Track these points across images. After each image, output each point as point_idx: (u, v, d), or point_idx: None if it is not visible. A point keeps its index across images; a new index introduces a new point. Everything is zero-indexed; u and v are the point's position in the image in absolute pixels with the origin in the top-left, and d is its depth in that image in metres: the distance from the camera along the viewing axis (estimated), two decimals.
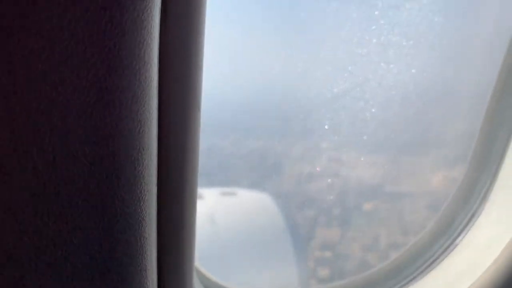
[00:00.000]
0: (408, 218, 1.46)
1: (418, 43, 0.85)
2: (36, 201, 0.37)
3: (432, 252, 1.10)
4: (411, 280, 1.09)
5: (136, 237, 0.45)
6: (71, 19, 0.34)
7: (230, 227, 1.66)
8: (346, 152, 1.13)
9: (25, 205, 0.37)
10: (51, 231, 0.39)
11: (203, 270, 0.81)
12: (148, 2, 0.39)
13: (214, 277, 0.85)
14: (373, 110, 0.88)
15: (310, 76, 0.88)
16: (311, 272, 1.63)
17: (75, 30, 0.35)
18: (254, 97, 1.01)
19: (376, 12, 0.81)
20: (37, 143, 0.36)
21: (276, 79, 0.90)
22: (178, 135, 0.49)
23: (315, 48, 0.85)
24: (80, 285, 0.43)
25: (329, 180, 1.29)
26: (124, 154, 0.40)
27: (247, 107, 1.05)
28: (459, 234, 1.10)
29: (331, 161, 1.21)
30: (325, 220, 1.45)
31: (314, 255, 1.61)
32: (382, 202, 1.40)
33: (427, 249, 1.10)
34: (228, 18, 0.82)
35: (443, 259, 1.09)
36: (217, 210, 1.62)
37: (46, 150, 0.36)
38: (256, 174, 1.52)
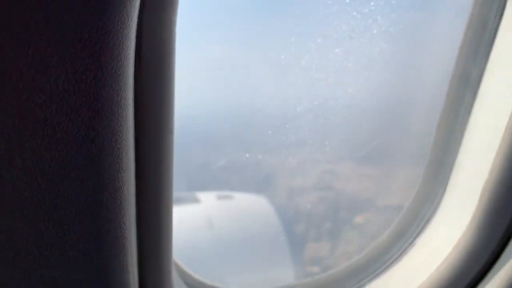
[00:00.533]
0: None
1: (370, 67, 0.98)
2: (39, 210, 0.49)
3: (392, 252, 1.22)
4: (373, 278, 1.20)
5: (119, 238, 0.56)
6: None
7: (227, 230, 1.67)
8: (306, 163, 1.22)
9: (31, 213, 0.48)
10: (51, 234, 0.50)
11: (183, 266, 0.92)
12: (124, 38, 0.49)
13: (194, 273, 0.96)
14: (332, 126, 1.00)
15: (276, 97, 1.00)
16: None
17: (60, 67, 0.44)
18: (226, 113, 1.12)
19: (332, 42, 0.93)
20: (40, 165, 0.47)
21: (246, 98, 1.02)
22: (152, 155, 0.60)
23: (281, 73, 0.98)
24: (74, 278, 0.54)
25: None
26: (107, 173, 0.51)
27: (220, 121, 1.16)
28: (415, 236, 1.21)
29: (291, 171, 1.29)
30: None
31: None
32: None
33: (388, 250, 1.22)
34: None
35: (402, 257, 1.20)
36: (214, 213, 1.64)
37: (48, 173, 0.48)
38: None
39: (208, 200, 1.68)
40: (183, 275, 0.95)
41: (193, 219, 1.60)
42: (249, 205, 1.77)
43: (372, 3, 0.89)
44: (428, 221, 1.19)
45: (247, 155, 1.11)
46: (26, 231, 0.48)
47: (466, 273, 1.11)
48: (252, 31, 0.93)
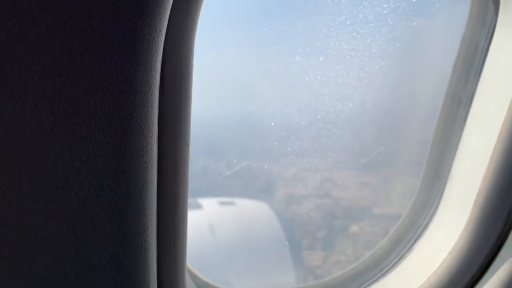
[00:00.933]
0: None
1: (369, 83, 1.05)
2: (77, 216, 0.56)
3: (391, 257, 1.27)
4: (372, 282, 1.26)
5: (142, 241, 0.63)
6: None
7: (229, 236, 1.69)
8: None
9: (70, 218, 0.56)
10: (86, 237, 0.57)
11: (194, 270, 0.98)
12: (151, 66, 0.56)
13: (204, 276, 1.02)
14: (334, 137, 1.07)
15: (282, 111, 1.07)
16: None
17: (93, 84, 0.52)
18: (234, 124, 1.19)
19: (334, 60, 1.00)
20: (78, 176, 0.54)
21: (254, 112, 1.09)
22: (172, 168, 0.67)
23: (287, 89, 1.05)
24: (104, 276, 0.61)
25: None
26: (135, 184, 0.58)
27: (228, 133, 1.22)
28: (414, 242, 1.27)
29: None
30: None
31: None
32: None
33: (387, 255, 1.27)
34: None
35: (400, 263, 1.26)
36: (215, 219, 1.66)
37: (85, 183, 0.55)
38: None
39: (210, 206, 1.72)
40: (193, 277, 1.02)
41: (195, 224, 1.63)
42: (251, 211, 1.79)
43: (371, 25, 0.96)
44: (425, 227, 1.25)
45: (253, 164, 1.18)
46: (65, 234, 0.56)
47: (461, 277, 1.16)
48: (260, 50, 1.00)
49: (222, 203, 1.75)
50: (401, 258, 1.27)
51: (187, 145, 0.70)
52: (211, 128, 1.17)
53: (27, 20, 0.46)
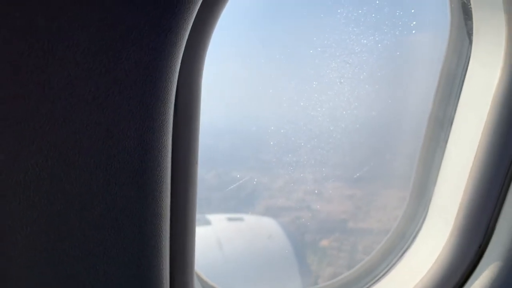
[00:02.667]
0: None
1: (358, 106, 1.16)
2: (104, 220, 0.67)
3: (381, 268, 1.36)
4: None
5: (158, 243, 0.73)
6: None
7: (237, 251, 1.72)
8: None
9: (99, 222, 0.67)
10: (111, 237, 0.68)
11: (202, 274, 1.08)
12: (168, 88, 0.65)
13: (211, 282, 1.11)
14: (326, 154, 1.18)
15: (278, 132, 1.19)
16: None
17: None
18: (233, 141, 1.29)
19: (325, 86, 1.12)
20: (108, 188, 0.66)
21: (252, 132, 1.22)
22: (183, 182, 0.78)
23: (283, 111, 1.17)
24: (125, 270, 0.71)
25: None
26: (153, 197, 0.70)
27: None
28: (404, 251, 1.36)
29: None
30: None
31: None
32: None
33: (377, 266, 1.36)
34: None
35: (390, 272, 1.35)
36: (224, 235, 1.71)
37: (112, 195, 0.66)
38: None
39: (218, 222, 1.77)
40: (202, 282, 1.11)
41: (205, 240, 1.67)
42: (259, 226, 1.85)
43: (358, 55, 1.08)
44: (413, 238, 1.34)
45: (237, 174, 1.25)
46: (96, 235, 0.67)
47: (445, 284, 1.25)
48: (259, 75, 1.12)
49: (231, 219, 1.82)
50: (391, 267, 1.36)
51: (196, 162, 0.81)
52: (212, 146, 1.27)
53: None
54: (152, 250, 0.72)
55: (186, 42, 0.66)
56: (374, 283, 1.35)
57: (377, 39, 1.07)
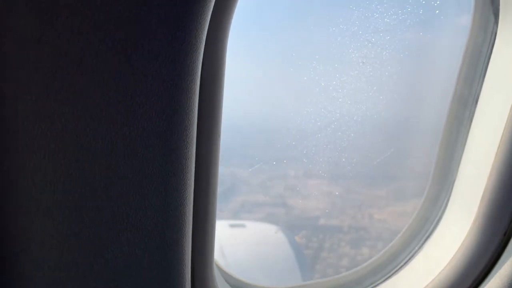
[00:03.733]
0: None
1: (380, 88, 1.14)
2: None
3: (402, 256, 1.34)
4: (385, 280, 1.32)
5: (180, 237, 0.73)
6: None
7: (240, 258, 1.70)
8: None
9: (121, 223, 0.66)
10: (134, 236, 0.68)
11: (221, 265, 1.07)
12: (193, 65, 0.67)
13: (231, 271, 1.10)
14: (348, 139, 1.16)
15: (298, 113, 1.16)
16: None
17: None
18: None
19: (347, 67, 1.10)
20: (139, 183, 0.65)
21: (271, 115, 1.19)
22: (205, 179, 0.78)
23: (302, 93, 1.15)
24: (154, 258, 0.71)
25: None
26: (175, 195, 0.69)
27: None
28: (425, 239, 1.33)
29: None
30: None
31: None
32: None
33: (398, 254, 1.33)
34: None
35: (411, 260, 1.32)
36: (226, 242, 1.71)
37: (144, 187, 0.66)
38: None
39: (220, 228, 1.69)
40: (224, 274, 1.10)
41: None
42: (261, 233, 1.85)
43: (381, 34, 1.06)
44: (436, 224, 1.31)
45: None
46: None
47: (469, 273, 1.22)
48: (278, 55, 1.10)
49: (233, 226, 1.82)
50: (413, 255, 1.33)
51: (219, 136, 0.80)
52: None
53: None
54: (176, 243, 0.72)
55: (206, 36, 0.67)
56: (396, 271, 1.32)
57: (400, 18, 1.05)
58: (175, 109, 0.66)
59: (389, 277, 1.36)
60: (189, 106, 0.67)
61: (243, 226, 1.85)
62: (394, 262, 1.37)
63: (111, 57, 0.59)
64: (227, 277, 1.11)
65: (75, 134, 0.61)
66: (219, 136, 0.80)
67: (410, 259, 1.34)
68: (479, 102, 1.13)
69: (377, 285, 1.31)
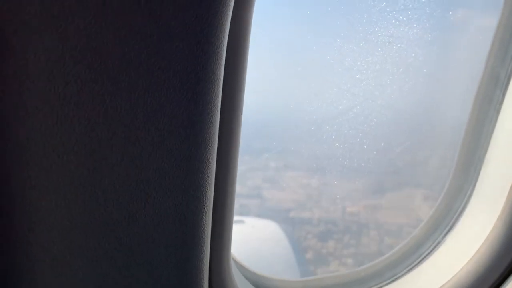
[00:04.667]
0: None
1: (406, 70, 1.09)
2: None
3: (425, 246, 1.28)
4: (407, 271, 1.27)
5: (201, 222, 0.69)
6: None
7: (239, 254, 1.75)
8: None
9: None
10: (155, 236, 0.64)
11: (238, 259, 1.03)
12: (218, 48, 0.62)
13: (248, 265, 1.06)
14: (372, 124, 1.11)
15: (320, 96, 1.12)
16: None
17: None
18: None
19: (373, 46, 1.05)
20: (158, 179, 0.61)
21: (291, 97, 1.14)
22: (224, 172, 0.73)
23: (324, 74, 1.10)
24: (175, 252, 0.68)
25: None
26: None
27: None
28: (449, 229, 1.28)
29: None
30: None
31: None
32: None
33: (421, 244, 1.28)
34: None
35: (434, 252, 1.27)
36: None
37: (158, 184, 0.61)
38: None
39: None
40: (240, 267, 1.06)
41: None
42: (259, 229, 1.83)
43: (409, 12, 1.01)
44: (459, 215, 1.26)
45: None
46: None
47: (494, 269, 1.16)
48: (301, 32, 1.05)
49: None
50: (436, 246, 1.28)
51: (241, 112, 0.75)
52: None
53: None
54: (194, 237, 0.69)
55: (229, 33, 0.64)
56: (419, 262, 1.27)
57: None
58: (200, 77, 0.61)
59: (411, 269, 1.31)
60: (214, 75, 0.62)
61: (242, 222, 1.82)
62: (416, 254, 1.31)
63: (132, 15, 0.55)
64: (243, 270, 1.07)
65: (91, 98, 0.55)
66: (241, 113, 0.74)
67: (432, 250, 1.29)
68: (509, 85, 1.07)
69: (399, 277, 1.26)
